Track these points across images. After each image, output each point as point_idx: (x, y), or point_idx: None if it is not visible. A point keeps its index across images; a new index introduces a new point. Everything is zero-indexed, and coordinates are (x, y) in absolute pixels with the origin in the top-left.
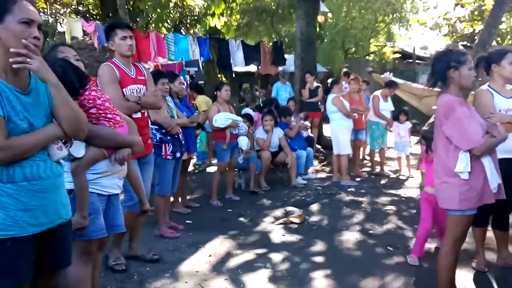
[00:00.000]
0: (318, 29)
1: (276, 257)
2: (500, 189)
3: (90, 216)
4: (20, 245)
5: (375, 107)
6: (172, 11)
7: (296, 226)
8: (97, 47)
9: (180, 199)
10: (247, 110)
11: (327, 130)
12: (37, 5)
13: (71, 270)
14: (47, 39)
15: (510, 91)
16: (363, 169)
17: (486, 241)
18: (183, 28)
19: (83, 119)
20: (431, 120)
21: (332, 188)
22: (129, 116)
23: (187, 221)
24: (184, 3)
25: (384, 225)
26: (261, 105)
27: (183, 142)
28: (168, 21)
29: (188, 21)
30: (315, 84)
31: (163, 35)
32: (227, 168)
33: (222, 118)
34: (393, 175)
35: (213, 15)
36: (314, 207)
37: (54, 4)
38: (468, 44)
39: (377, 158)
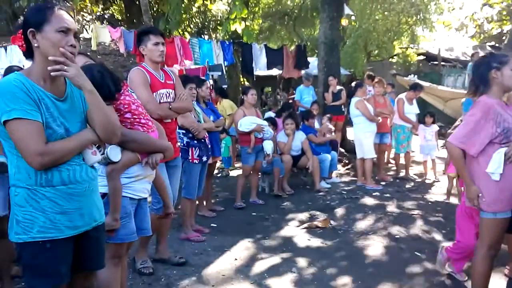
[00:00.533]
0: (341, 32)
1: (301, 261)
2: None
3: (123, 220)
4: (59, 247)
5: (400, 110)
6: (194, 16)
7: (320, 230)
8: (123, 52)
9: (205, 203)
10: (270, 113)
11: (350, 133)
12: None
13: (102, 273)
14: None
15: None
16: (388, 173)
17: None
18: (206, 33)
19: (116, 124)
20: (457, 123)
21: (356, 192)
22: (160, 121)
23: (212, 225)
24: (207, 8)
25: (410, 230)
26: (280, 108)
27: (209, 146)
28: (191, 26)
29: (211, 26)
30: (338, 87)
31: (187, 40)
32: (251, 172)
33: (247, 122)
34: (418, 179)
35: (234, 19)
36: (339, 211)
37: (81, 12)
38: (497, 45)
39: (401, 161)
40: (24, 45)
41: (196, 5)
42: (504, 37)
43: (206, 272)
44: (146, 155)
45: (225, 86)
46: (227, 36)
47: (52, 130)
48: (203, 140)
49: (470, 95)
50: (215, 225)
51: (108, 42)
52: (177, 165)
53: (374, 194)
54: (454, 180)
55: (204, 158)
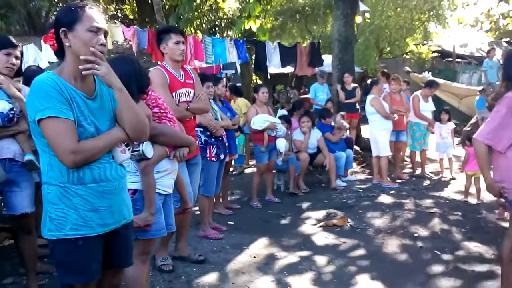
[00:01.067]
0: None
1: (320, 259)
2: None
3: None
4: (90, 245)
5: (416, 107)
6: (206, 14)
7: (338, 228)
8: (135, 50)
9: (221, 200)
10: (283, 111)
11: (365, 131)
12: None
13: (129, 270)
14: None
15: None
16: (403, 171)
17: None
18: (218, 31)
19: (145, 122)
20: (473, 120)
21: (373, 190)
22: (179, 120)
23: (229, 222)
24: (218, 6)
25: (429, 228)
26: (292, 107)
27: (226, 144)
28: (203, 24)
29: (223, 24)
30: (353, 84)
31: (200, 39)
32: (265, 170)
33: (260, 120)
34: (434, 177)
35: (248, 17)
36: (356, 209)
37: None
38: None
39: (417, 159)
40: (55, 45)
41: (208, 3)
42: None
43: (225, 270)
44: (173, 149)
45: (239, 84)
46: (239, 35)
47: (83, 128)
48: (220, 138)
49: (502, 88)
50: (232, 223)
51: (121, 41)
52: (197, 163)
53: (390, 192)
54: (472, 178)
55: (222, 156)
